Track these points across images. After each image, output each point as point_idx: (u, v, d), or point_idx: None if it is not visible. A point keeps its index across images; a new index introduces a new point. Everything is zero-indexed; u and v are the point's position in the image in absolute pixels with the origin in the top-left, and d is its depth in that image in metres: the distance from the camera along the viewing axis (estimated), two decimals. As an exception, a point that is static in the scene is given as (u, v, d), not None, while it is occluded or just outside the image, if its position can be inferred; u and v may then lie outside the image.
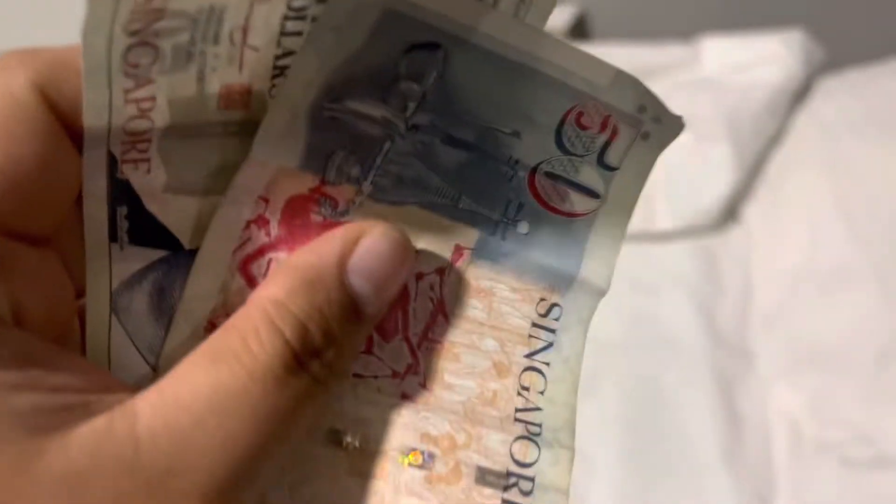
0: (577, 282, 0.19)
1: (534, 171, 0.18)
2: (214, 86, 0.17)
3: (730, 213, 0.85)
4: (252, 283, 0.18)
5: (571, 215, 0.19)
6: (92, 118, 0.16)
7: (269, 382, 0.15)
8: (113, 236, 0.18)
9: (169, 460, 0.14)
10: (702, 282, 0.80)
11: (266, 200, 0.18)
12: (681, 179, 0.84)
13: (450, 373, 0.19)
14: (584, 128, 0.18)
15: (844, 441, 0.66)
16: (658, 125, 0.18)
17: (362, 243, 0.17)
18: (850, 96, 0.86)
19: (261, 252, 0.18)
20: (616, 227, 0.19)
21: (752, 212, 0.84)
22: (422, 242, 0.19)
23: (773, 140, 0.86)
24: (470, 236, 0.19)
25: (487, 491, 0.18)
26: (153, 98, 0.17)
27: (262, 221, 0.18)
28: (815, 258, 0.76)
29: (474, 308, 0.19)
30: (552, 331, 0.19)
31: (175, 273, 0.18)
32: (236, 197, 0.18)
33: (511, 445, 0.18)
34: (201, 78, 0.17)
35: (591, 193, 0.19)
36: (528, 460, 0.18)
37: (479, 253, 0.19)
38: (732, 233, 0.85)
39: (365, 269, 0.17)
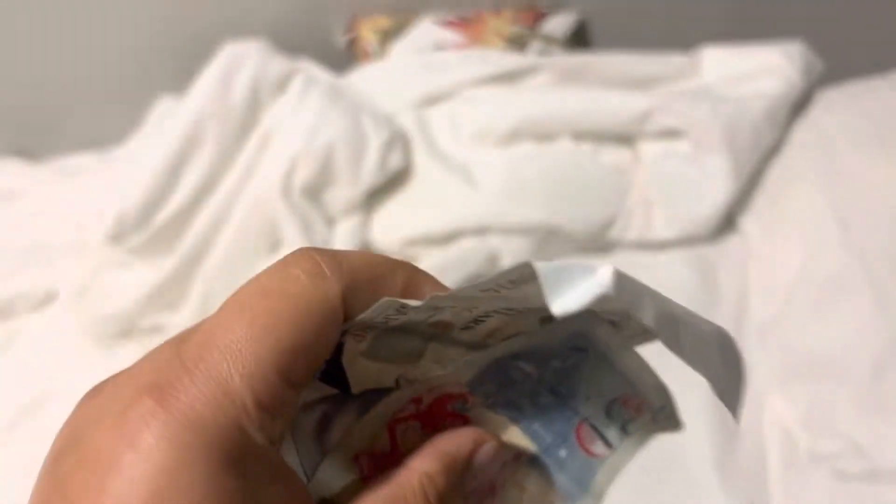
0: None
1: (583, 420, 0.25)
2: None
3: (727, 222, 0.85)
4: (393, 437, 0.24)
5: (592, 456, 0.25)
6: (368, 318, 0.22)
7: None
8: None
9: None
10: (698, 291, 0.80)
11: (419, 400, 0.25)
12: (679, 189, 0.84)
13: None
14: (626, 407, 0.25)
15: (838, 452, 0.66)
16: (667, 422, 0.25)
17: (483, 448, 0.23)
18: (849, 108, 0.86)
19: (406, 419, 0.24)
20: (617, 465, 0.25)
21: (750, 222, 0.84)
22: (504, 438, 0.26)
23: (772, 150, 0.86)
24: (532, 447, 0.25)
25: None
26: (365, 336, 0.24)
27: (418, 400, 0.24)
28: (812, 269, 0.76)
29: (511, 496, 0.25)
30: None
31: (340, 408, 0.24)
32: (414, 386, 0.25)
33: None
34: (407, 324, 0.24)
35: (607, 444, 0.25)
36: None
37: (533, 460, 0.25)
38: (729, 242, 0.85)
39: (479, 466, 0.22)
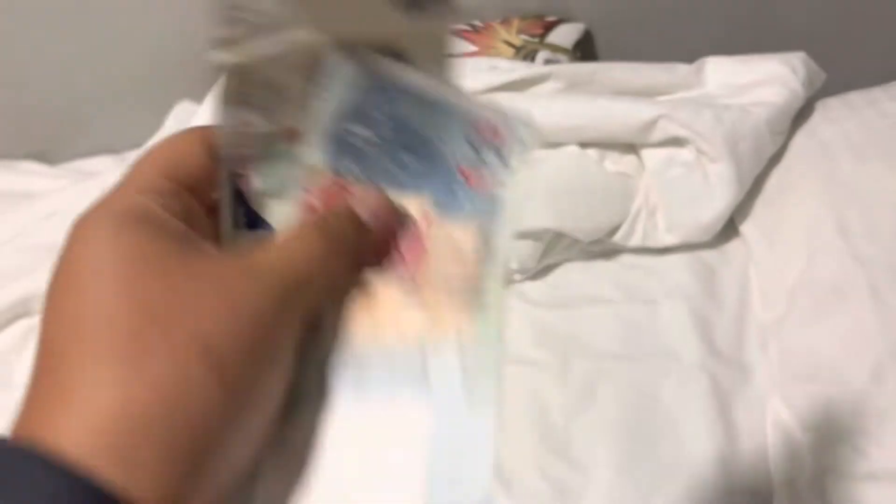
0: (497, 228, 0.28)
1: (459, 163, 0.29)
2: (279, 126, 0.28)
3: (729, 228, 0.86)
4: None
5: (486, 188, 0.29)
6: (222, 144, 0.27)
7: (318, 239, 0.27)
8: (236, 224, 0.28)
9: (282, 264, 0.25)
10: (700, 295, 0.81)
11: (308, 191, 0.28)
12: (681, 195, 0.85)
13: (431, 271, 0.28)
14: (483, 136, 0.29)
15: (839, 455, 0.67)
16: (526, 129, 0.29)
17: (363, 197, 0.29)
18: (850, 118, 0.87)
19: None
20: (516, 183, 0.29)
21: (751, 227, 0.86)
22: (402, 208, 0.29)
23: (774, 158, 0.87)
24: (430, 203, 0.29)
25: (454, 295, 0.27)
26: (250, 134, 0.27)
27: (308, 205, 0.29)
28: (812, 274, 0.77)
29: (439, 244, 0.29)
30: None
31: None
32: (295, 193, 0.28)
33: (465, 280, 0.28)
34: (272, 121, 0.28)
35: (495, 174, 0.29)
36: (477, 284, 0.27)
37: (437, 209, 0.29)
38: (731, 247, 0.86)
39: (364, 204, 0.28)
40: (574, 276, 0.85)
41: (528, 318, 0.81)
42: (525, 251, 0.83)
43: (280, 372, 0.25)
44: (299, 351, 0.26)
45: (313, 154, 0.29)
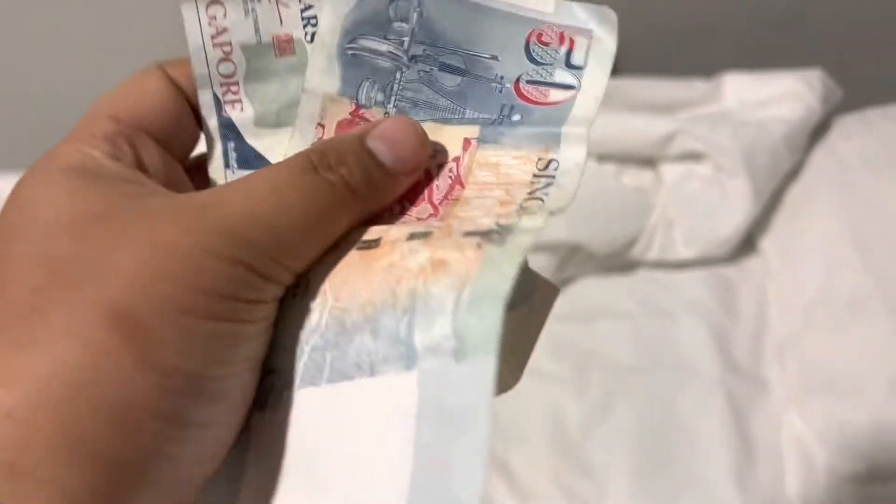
0: (565, 135, 0.23)
1: (517, 81, 0.23)
2: (267, 36, 0.24)
3: (746, 243, 0.87)
4: None
5: (555, 104, 0.23)
6: (196, 63, 0.24)
7: (295, 173, 0.21)
8: (227, 164, 0.25)
9: (233, 210, 0.20)
10: (717, 309, 0.81)
11: (323, 126, 0.24)
12: (699, 210, 0.85)
13: (461, 211, 0.23)
14: (545, 44, 0.23)
15: (856, 470, 0.67)
16: (602, 26, 0.23)
17: (380, 123, 0.23)
18: (868, 135, 0.88)
19: None
20: (597, 87, 0.23)
21: (769, 242, 0.86)
22: (439, 144, 0.24)
23: (791, 174, 0.88)
24: (475, 131, 0.24)
25: (470, 238, 0.20)
26: (230, 43, 0.24)
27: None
28: (830, 289, 0.77)
29: (484, 175, 0.23)
30: (552, 177, 0.23)
31: None
32: (303, 125, 0.24)
33: (499, 218, 0.21)
34: (257, 29, 0.24)
35: (566, 87, 0.23)
36: (509, 222, 0.20)
37: (484, 139, 0.23)
38: (749, 263, 0.86)
39: (380, 135, 0.22)
40: (591, 290, 0.85)
41: (544, 331, 0.81)
42: (540, 264, 0.83)
43: (240, 348, 0.20)
44: (270, 324, 0.21)
45: (324, 77, 0.24)
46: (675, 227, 0.86)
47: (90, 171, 0.21)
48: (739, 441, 0.71)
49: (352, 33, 0.23)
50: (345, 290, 0.21)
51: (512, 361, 0.22)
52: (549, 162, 0.23)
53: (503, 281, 0.18)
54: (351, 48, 0.24)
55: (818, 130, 0.90)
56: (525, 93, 0.23)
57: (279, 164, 0.22)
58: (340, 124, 0.24)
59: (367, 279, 0.20)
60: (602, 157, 0.88)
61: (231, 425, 0.20)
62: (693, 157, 0.86)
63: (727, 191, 0.84)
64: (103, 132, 0.22)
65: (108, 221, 0.19)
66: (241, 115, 0.24)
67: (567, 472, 0.70)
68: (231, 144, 0.24)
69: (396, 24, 0.23)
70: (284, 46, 0.24)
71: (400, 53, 0.24)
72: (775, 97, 0.89)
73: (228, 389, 0.19)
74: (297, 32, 0.24)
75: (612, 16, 0.23)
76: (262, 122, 0.24)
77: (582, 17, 0.23)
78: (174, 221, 0.19)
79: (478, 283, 0.18)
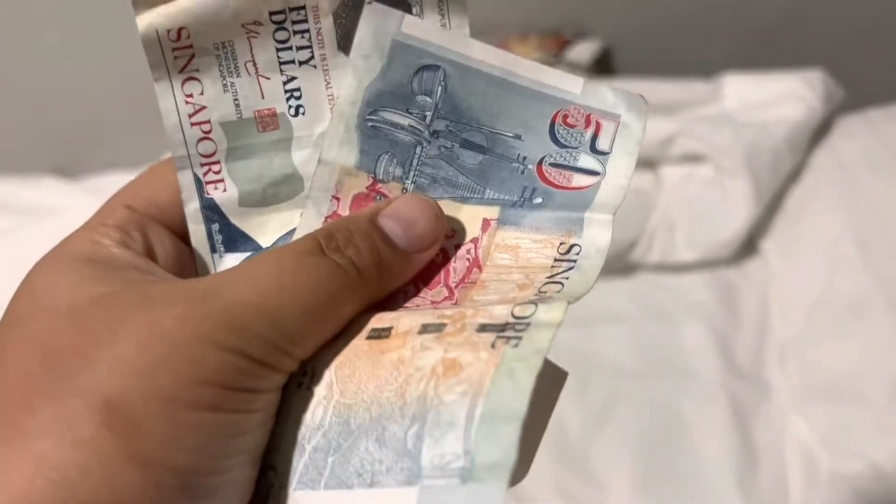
0: (588, 219, 0.22)
1: (540, 163, 0.23)
2: (249, 112, 0.23)
3: (748, 245, 0.86)
4: None
5: (578, 189, 0.22)
6: (174, 144, 0.23)
7: (301, 256, 0.20)
8: (213, 248, 0.23)
9: (237, 295, 0.19)
10: (719, 312, 0.81)
11: (338, 199, 0.23)
12: (700, 212, 0.85)
13: (478, 295, 0.22)
14: (571, 126, 0.22)
15: (859, 474, 0.66)
16: (631, 113, 0.22)
17: (394, 201, 0.22)
18: (869, 135, 0.87)
19: None
20: (622, 175, 0.22)
21: (771, 245, 0.85)
22: (457, 223, 0.23)
23: (792, 175, 0.87)
24: (495, 212, 0.23)
25: (485, 335, 0.19)
26: (208, 121, 0.23)
27: (335, 216, 0.23)
28: (832, 291, 0.77)
29: (503, 258, 0.22)
30: (573, 261, 0.22)
31: None
32: (316, 197, 0.23)
33: (513, 308, 0.20)
34: (237, 105, 0.23)
35: (591, 173, 0.22)
36: (525, 314, 0.19)
37: (504, 221, 0.23)
38: (750, 264, 0.85)
39: (393, 213, 0.22)
40: (591, 293, 0.84)
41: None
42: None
43: (238, 439, 0.18)
44: (271, 414, 0.20)
45: (342, 149, 0.23)
46: (676, 229, 0.85)
47: (98, 259, 0.21)
48: (742, 446, 0.70)
49: (373, 105, 0.23)
50: (351, 384, 0.20)
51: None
52: (572, 247, 0.22)
53: (519, 395, 0.17)
54: (371, 120, 0.23)
55: (820, 131, 0.89)
56: (548, 176, 0.23)
57: (285, 246, 0.21)
58: (356, 198, 0.23)
59: (375, 373, 0.19)
60: (602, 160, 0.87)
61: None
62: (694, 158, 0.86)
63: (728, 192, 0.84)
64: (116, 220, 0.22)
65: (109, 307, 0.19)
66: (225, 195, 0.23)
67: (568, 479, 0.69)
68: (215, 227, 0.23)
69: (420, 98, 0.23)
70: (267, 121, 0.23)
71: (422, 128, 0.23)
72: (776, 98, 0.89)
73: (224, 485, 0.18)
74: (280, 106, 0.23)
75: (643, 103, 0.23)
76: (247, 202, 0.23)
77: (611, 100, 0.23)
78: (174, 309, 0.18)
79: (492, 394, 0.17)
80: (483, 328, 0.19)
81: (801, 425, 0.71)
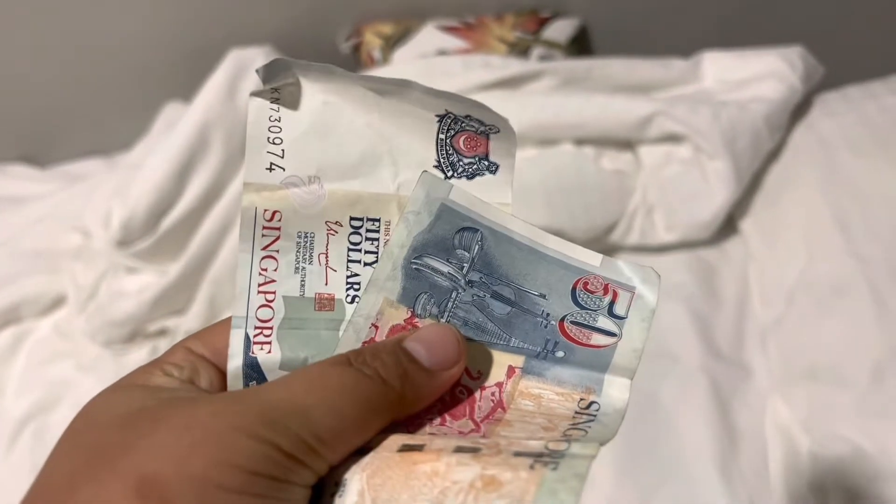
0: (608, 381, 0.25)
1: (562, 320, 0.26)
2: (311, 293, 0.26)
3: (728, 225, 0.85)
4: None
5: (597, 347, 0.25)
6: (238, 306, 0.25)
7: (331, 366, 0.22)
8: None
9: (279, 401, 0.21)
10: (699, 294, 0.80)
11: (376, 327, 0.26)
12: (679, 193, 0.84)
13: (504, 431, 0.24)
14: (591, 292, 0.26)
15: (839, 454, 0.66)
16: (645, 285, 0.26)
17: (420, 329, 0.25)
18: (849, 112, 0.87)
19: None
20: (637, 340, 0.25)
21: (750, 225, 0.85)
22: (483, 366, 0.26)
23: (772, 154, 0.87)
24: (520, 361, 0.25)
25: (522, 459, 0.20)
26: (274, 293, 0.26)
27: (371, 342, 0.26)
28: (812, 272, 0.76)
29: (527, 404, 0.25)
30: (593, 416, 0.24)
31: None
32: (357, 322, 0.26)
33: (547, 443, 0.21)
34: (303, 285, 0.26)
35: (608, 334, 0.25)
36: (560, 448, 0.21)
37: (528, 370, 0.25)
38: (730, 245, 0.85)
39: (417, 337, 0.24)
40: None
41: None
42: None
43: None
44: None
45: (387, 283, 0.26)
46: (656, 210, 0.85)
47: (150, 384, 0.23)
48: (723, 428, 0.70)
49: (418, 251, 0.26)
50: (384, 492, 0.21)
51: None
52: (591, 403, 0.24)
53: None
54: (416, 264, 0.26)
55: (799, 109, 0.89)
56: (569, 332, 0.25)
57: (317, 362, 0.23)
58: (393, 328, 0.26)
59: (408, 483, 0.21)
60: (580, 141, 0.86)
61: None
62: (673, 139, 0.85)
63: (707, 173, 0.83)
64: (174, 359, 0.25)
65: (154, 410, 0.21)
66: (268, 357, 0.25)
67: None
68: (252, 384, 0.25)
69: (459, 251, 0.26)
70: (325, 303, 0.26)
71: (459, 276, 0.26)
72: (755, 76, 0.88)
73: None
74: (340, 293, 0.26)
75: (655, 277, 0.26)
76: (287, 366, 0.25)
77: (626, 274, 0.26)
78: (211, 406, 0.21)
79: None
80: (519, 454, 0.20)
81: (782, 407, 0.71)
